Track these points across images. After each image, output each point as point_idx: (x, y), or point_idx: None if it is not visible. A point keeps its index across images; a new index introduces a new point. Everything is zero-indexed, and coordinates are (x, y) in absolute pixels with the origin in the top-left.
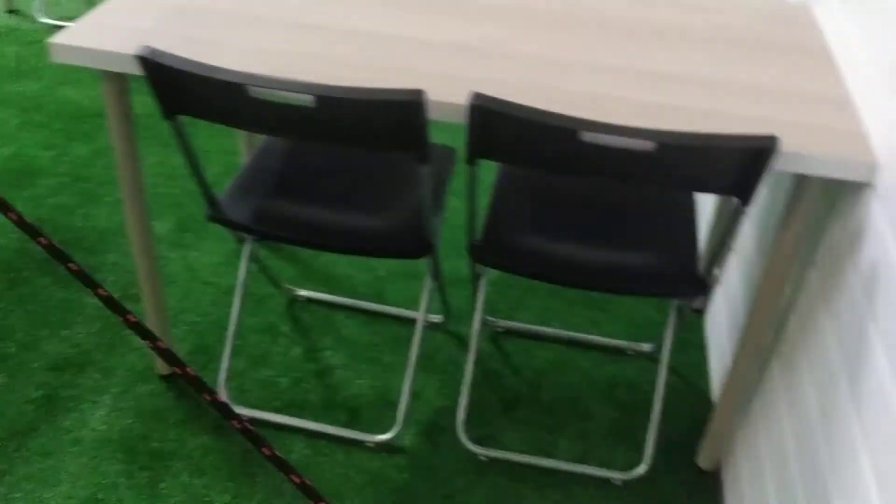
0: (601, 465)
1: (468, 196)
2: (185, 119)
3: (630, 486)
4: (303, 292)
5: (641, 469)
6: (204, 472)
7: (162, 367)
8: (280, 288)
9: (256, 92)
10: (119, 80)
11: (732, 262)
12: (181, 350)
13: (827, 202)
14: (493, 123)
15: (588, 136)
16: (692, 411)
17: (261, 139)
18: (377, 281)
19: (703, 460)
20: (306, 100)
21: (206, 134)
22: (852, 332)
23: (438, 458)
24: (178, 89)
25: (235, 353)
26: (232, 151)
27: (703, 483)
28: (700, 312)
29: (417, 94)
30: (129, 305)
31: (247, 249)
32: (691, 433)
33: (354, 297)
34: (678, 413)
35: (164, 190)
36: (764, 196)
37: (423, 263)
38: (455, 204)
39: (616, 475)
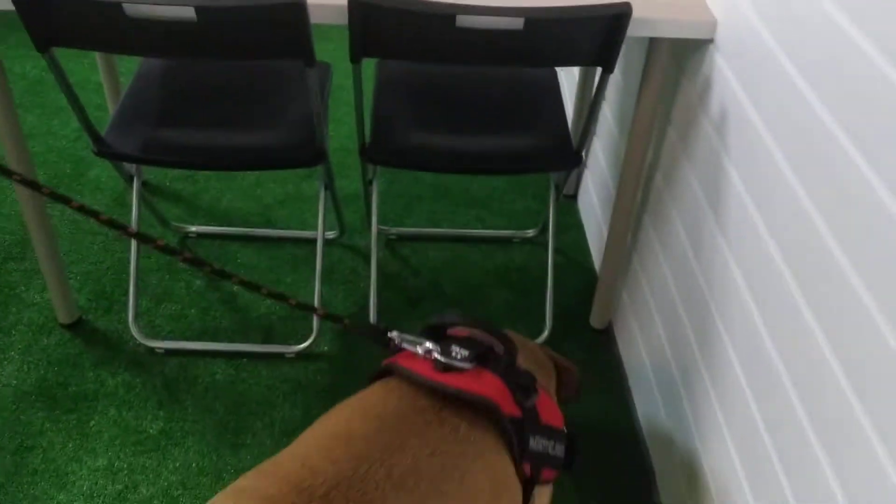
0: None
1: (355, 96)
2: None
3: None
4: (193, 228)
5: (544, 336)
6: (131, 406)
7: (64, 316)
8: (169, 227)
9: (134, 10)
10: None
11: (596, 144)
12: (80, 299)
13: (676, 65)
14: (374, 18)
15: (463, 21)
16: (579, 283)
17: (122, 69)
18: (265, 209)
19: (595, 321)
20: (187, 14)
21: (57, 90)
22: (710, 170)
23: (357, 358)
24: (51, 18)
25: (138, 293)
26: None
27: (598, 340)
28: (573, 197)
29: None
30: (13, 266)
31: (136, 186)
32: (582, 301)
33: (245, 227)
34: (567, 286)
35: None
36: (618, 79)
37: (307, 187)
38: (330, 127)
39: None
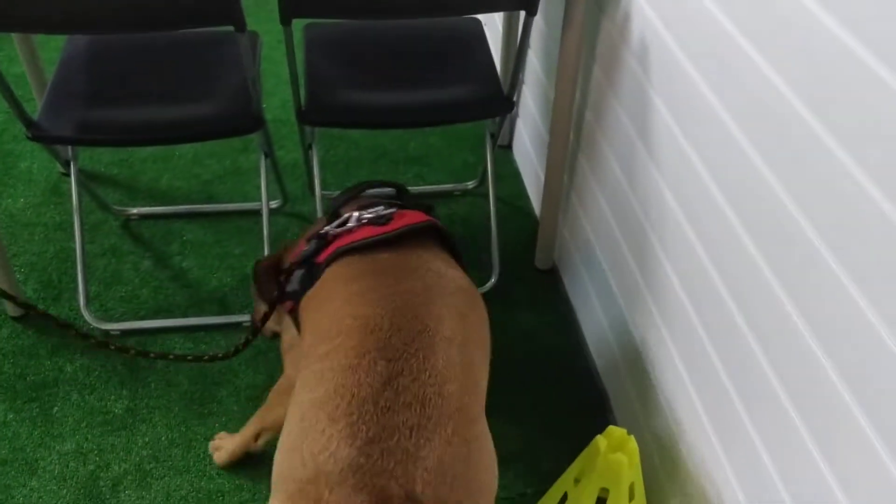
0: None
1: (288, 59)
2: None
3: (486, 297)
4: (134, 210)
5: (492, 281)
6: (93, 388)
7: (13, 309)
8: (110, 211)
9: None
10: None
11: (525, 92)
12: (27, 290)
13: (595, 5)
14: None
15: None
16: (521, 228)
17: (44, 58)
18: (204, 185)
19: (540, 262)
20: None
21: None
22: (637, 102)
23: None
24: None
25: (87, 278)
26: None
27: (545, 280)
28: (507, 147)
29: None
30: None
31: (74, 170)
32: (525, 246)
33: (188, 204)
34: (510, 232)
35: None
36: (540, 25)
37: (244, 160)
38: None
39: None
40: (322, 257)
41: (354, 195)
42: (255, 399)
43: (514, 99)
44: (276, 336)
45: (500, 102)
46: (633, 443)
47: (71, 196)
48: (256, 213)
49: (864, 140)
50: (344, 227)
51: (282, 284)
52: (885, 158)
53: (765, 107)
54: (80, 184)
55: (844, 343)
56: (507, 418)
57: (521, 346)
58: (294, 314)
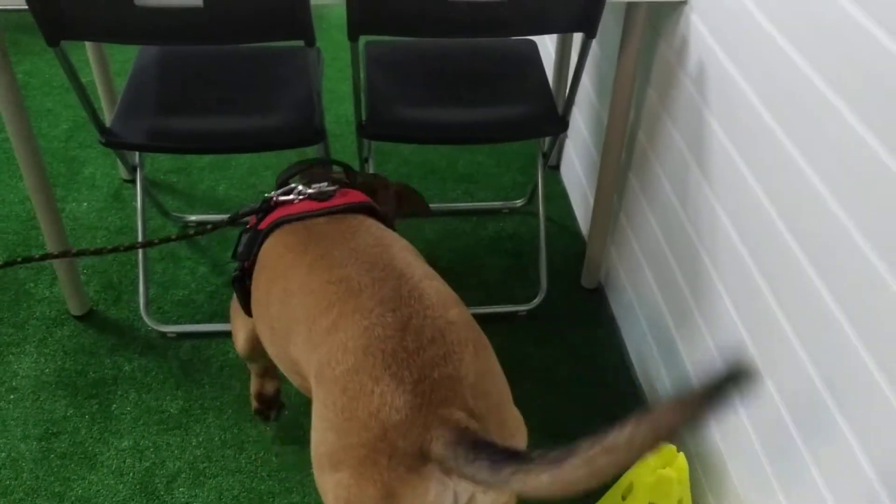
0: (506, 302)
1: (353, 74)
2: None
3: (532, 314)
4: (192, 217)
5: (539, 298)
6: (150, 388)
7: (76, 308)
8: (170, 217)
9: (143, 0)
10: None
11: (576, 113)
12: (89, 291)
13: (652, 28)
14: None
15: None
16: (567, 247)
17: (114, 68)
18: (259, 195)
19: (586, 281)
20: (194, 1)
21: (42, 93)
22: (692, 124)
23: None
24: (61, 11)
25: (147, 281)
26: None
27: (590, 298)
28: (555, 168)
29: None
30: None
31: (140, 176)
32: (571, 264)
33: None
34: (556, 251)
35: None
36: (594, 47)
37: None
38: None
39: (520, 307)
40: (263, 224)
41: (303, 169)
42: (306, 402)
43: (568, 119)
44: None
45: (555, 122)
46: (682, 459)
47: (136, 201)
48: None
49: None
50: (287, 198)
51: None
52: None
53: (824, 129)
54: (144, 189)
55: None
56: (553, 435)
57: (566, 363)
58: (241, 281)
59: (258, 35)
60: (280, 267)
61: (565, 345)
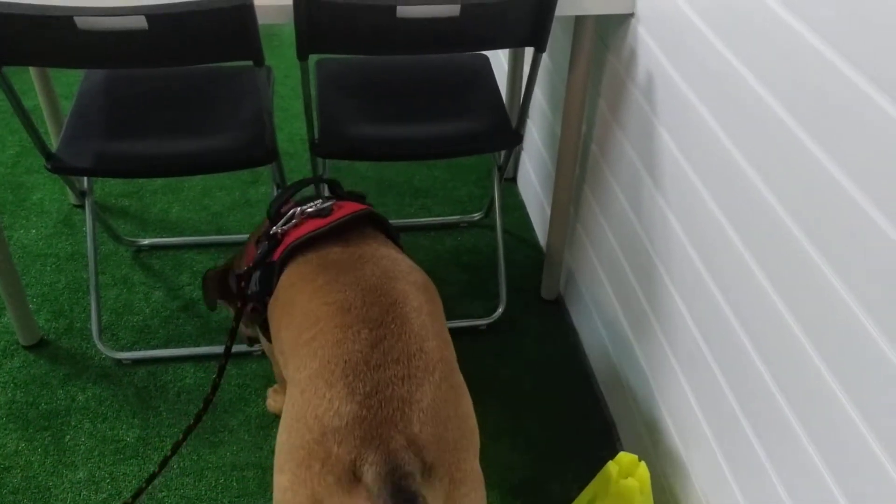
0: (466, 317)
1: (303, 93)
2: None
3: (493, 327)
4: (145, 241)
5: (499, 311)
6: (105, 417)
7: (26, 338)
8: (121, 242)
9: (85, 23)
10: None
11: (530, 125)
12: (39, 320)
13: (601, 41)
14: (318, 15)
15: (404, 11)
16: (526, 259)
17: (58, 91)
18: (214, 217)
19: (546, 292)
20: (138, 23)
21: None
22: (643, 134)
23: None
24: (2, 36)
25: (100, 308)
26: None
27: (551, 309)
28: (512, 180)
29: None
30: None
31: (89, 202)
32: (530, 276)
33: (197, 235)
34: (515, 263)
35: None
36: (545, 60)
37: (253, 192)
38: None
39: (480, 321)
40: (276, 255)
41: (290, 195)
42: (267, 427)
43: (522, 132)
44: (252, 341)
45: (509, 136)
46: (643, 468)
47: (86, 226)
48: None
49: (869, 169)
50: (290, 224)
51: (241, 289)
52: (891, 189)
53: (769, 137)
54: (94, 215)
55: (854, 369)
56: (516, 447)
57: (529, 375)
58: (256, 315)
59: (206, 57)
60: (291, 294)
61: (527, 357)
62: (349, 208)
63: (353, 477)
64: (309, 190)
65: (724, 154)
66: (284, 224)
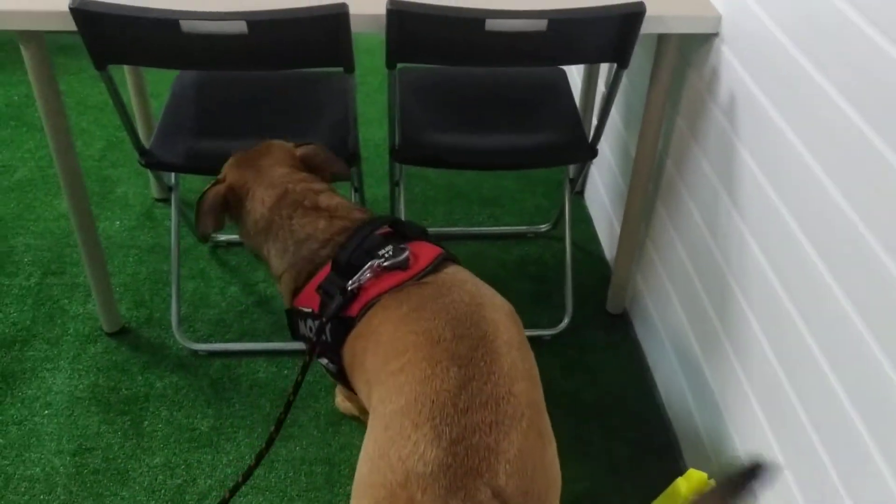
0: (531, 327)
1: (389, 101)
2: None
3: (558, 338)
4: (223, 238)
5: (565, 322)
6: (181, 405)
7: (109, 325)
8: None
9: (189, 27)
10: (39, 47)
11: (602, 143)
12: (121, 309)
13: (683, 59)
14: (409, 26)
15: (492, 25)
16: (592, 272)
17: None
18: None
19: (612, 307)
20: (239, 27)
21: (77, 112)
22: (722, 153)
23: None
24: (110, 37)
25: (179, 300)
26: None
27: (616, 324)
28: (580, 193)
29: (342, 7)
30: (53, 280)
31: (175, 197)
32: (596, 289)
33: None
34: (581, 276)
35: (51, 172)
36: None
37: None
38: None
39: (545, 332)
40: (355, 310)
41: (359, 243)
42: (335, 424)
43: (597, 147)
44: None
45: (584, 149)
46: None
47: (170, 220)
48: None
49: None
50: (367, 278)
51: (312, 340)
52: None
53: (855, 157)
54: (178, 209)
55: None
56: (577, 459)
57: (592, 388)
58: (329, 355)
59: (300, 62)
60: (374, 323)
61: (590, 370)
62: (426, 255)
63: None
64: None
65: (809, 175)
66: (359, 279)
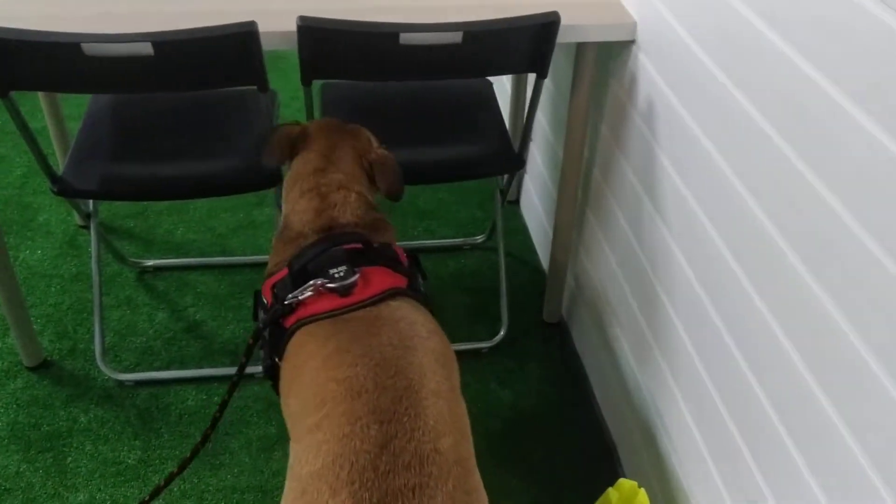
0: (468, 340)
1: (307, 117)
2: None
3: (495, 350)
4: (150, 262)
5: (501, 334)
6: (107, 439)
7: (29, 359)
8: (126, 263)
9: (92, 49)
10: None
11: (533, 149)
12: (43, 341)
13: (602, 66)
14: (322, 42)
15: (407, 38)
16: (529, 282)
17: (65, 112)
18: (218, 238)
19: (548, 315)
20: (144, 49)
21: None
22: (643, 159)
23: None
24: (10, 62)
25: (103, 329)
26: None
27: (552, 332)
28: (515, 203)
29: (250, 25)
30: None
31: (94, 224)
32: (532, 299)
33: (202, 257)
34: (518, 286)
35: None
36: (548, 85)
37: (258, 214)
38: None
39: (482, 344)
40: (288, 323)
41: (317, 252)
42: (268, 450)
43: (524, 156)
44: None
45: (511, 160)
46: (643, 495)
47: (91, 248)
48: None
49: (865, 197)
50: (307, 296)
51: (259, 328)
52: (886, 217)
53: (766, 163)
54: (99, 236)
55: (854, 399)
56: (516, 471)
57: (530, 398)
58: (270, 354)
59: (211, 82)
60: (302, 355)
61: (529, 380)
62: (377, 285)
63: None
64: None
65: (723, 180)
66: (301, 294)
